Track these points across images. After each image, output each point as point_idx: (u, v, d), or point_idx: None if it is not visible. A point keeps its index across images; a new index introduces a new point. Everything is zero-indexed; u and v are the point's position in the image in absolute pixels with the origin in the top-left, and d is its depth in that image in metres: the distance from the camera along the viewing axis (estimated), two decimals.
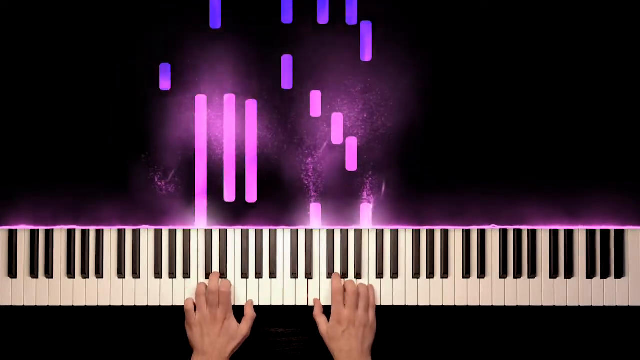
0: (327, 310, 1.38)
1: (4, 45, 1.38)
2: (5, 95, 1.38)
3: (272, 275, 1.40)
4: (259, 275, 1.40)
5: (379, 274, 1.40)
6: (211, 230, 1.40)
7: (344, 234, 1.40)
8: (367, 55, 1.39)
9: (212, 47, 1.38)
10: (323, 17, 1.38)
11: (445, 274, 1.40)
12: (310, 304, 1.40)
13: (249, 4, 1.38)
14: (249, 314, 1.37)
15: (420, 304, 1.40)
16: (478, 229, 1.40)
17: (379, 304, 1.40)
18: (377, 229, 1.40)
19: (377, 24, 1.38)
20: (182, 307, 1.39)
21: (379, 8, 1.38)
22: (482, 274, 1.40)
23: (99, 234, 1.39)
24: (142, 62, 1.37)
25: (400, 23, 1.38)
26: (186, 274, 1.39)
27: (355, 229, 1.40)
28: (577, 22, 1.39)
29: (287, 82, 1.38)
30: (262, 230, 1.40)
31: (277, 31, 1.38)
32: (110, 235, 1.40)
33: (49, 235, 1.39)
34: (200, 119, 1.38)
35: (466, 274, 1.40)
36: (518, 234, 1.40)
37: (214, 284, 1.36)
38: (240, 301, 1.40)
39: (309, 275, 1.40)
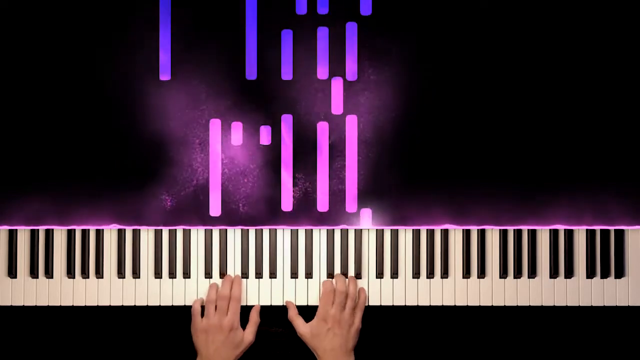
0: (308, 312, 1.38)
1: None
2: (4, 95, 1.38)
3: (272, 275, 1.40)
4: (259, 275, 1.40)
5: (379, 274, 1.40)
6: (211, 230, 1.40)
7: (344, 234, 1.40)
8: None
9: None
10: (323, 206, 1.38)
11: (445, 274, 1.40)
12: (311, 303, 1.40)
13: (250, 196, 1.39)
14: (254, 319, 1.37)
15: (420, 304, 1.40)
16: (478, 229, 1.40)
17: (378, 303, 1.40)
18: (377, 229, 1.40)
19: (377, 211, 1.38)
20: (182, 307, 1.39)
21: (378, 195, 1.39)
22: (482, 274, 1.40)
23: (99, 234, 1.39)
24: (141, 58, 1.38)
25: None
26: (186, 274, 1.39)
27: (355, 229, 1.40)
28: (573, 22, 1.39)
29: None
30: (262, 230, 1.40)
31: (278, 218, 1.39)
32: (110, 235, 1.40)
33: (49, 235, 1.39)
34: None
35: (466, 274, 1.40)
36: (518, 234, 1.40)
37: (225, 290, 1.36)
38: (241, 301, 1.39)
39: (309, 275, 1.40)
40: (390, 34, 1.38)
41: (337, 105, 1.38)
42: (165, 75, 1.37)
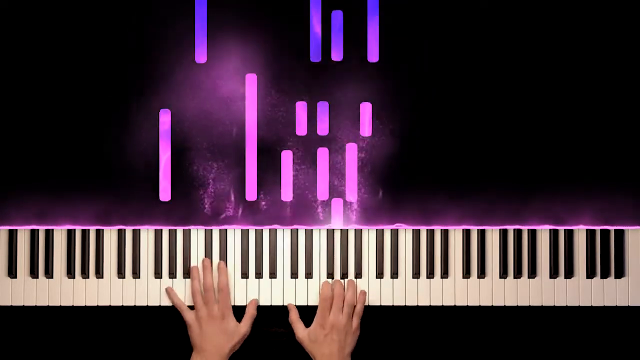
0: (308, 312, 1.38)
1: None
2: (3, 96, 1.38)
3: (272, 275, 1.40)
4: (259, 275, 1.40)
5: (379, 274, 1.40)
6: (211, 230, 1.40)
7: (344, 234, 1.40)
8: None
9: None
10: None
11: (445, 274, 1.40)
12: (311, 303, 1.40)
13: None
14: (250, 312, 1.37)
15: (420, 304, 1.40)
16: (478, 229, 1.40)
17: (378, 304, 1.40)
18: (377, 229, 1.40)
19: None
20: None
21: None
22: (482, 274, 1.40)
23: (99, 234, 1.39)
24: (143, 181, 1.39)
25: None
26: (186, 274, 1.39)
27: (355, 229, 1.40)
28: (573, 23, 1.39)
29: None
30: (262, 230, 1.40)
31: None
32: (110, 235, 1.40)
33: (49, 235, 1.39)
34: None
35: (466, 274, 1.40)
36: (518, 234, 1.40)
37: (208, 280, 1.36)
38: (240, 301, 1.40)
39: (309, 275, 1.40)
40: (390, 153, 1.39)
41: (337, 226, 1.39)
42: (165, 196, 1.38)
